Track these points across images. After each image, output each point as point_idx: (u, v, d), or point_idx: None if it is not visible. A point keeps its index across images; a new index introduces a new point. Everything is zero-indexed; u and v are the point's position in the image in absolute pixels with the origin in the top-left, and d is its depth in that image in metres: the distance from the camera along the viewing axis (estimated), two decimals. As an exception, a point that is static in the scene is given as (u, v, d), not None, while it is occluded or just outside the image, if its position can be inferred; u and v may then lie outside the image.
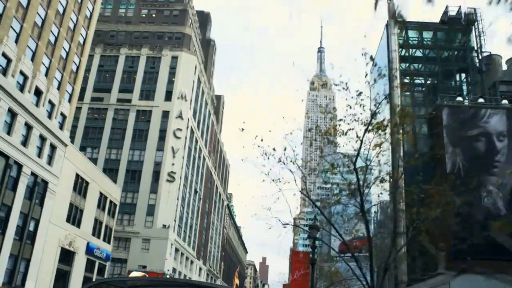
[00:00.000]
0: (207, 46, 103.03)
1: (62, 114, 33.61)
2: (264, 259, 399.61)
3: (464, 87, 41.92)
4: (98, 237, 43.17)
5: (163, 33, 79.93)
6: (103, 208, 43.84)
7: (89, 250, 40.26)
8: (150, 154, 69.91)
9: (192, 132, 78.33)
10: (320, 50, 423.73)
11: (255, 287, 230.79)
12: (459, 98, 36.29)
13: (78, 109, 73.71)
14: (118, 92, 74.95)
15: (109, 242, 47.10)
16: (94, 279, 41.96)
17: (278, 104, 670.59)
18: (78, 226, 38.26)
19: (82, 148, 70.28)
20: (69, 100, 34.44)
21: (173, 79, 74.96)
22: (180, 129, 71.63)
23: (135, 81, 75.37)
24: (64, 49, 35.11)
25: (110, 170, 69.38)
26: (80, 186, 37.88)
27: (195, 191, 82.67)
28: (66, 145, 34.06)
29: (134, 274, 61.88)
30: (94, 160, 69.63)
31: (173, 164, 69.63)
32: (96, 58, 77.48)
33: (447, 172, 31.98)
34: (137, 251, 64.89)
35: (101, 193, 42.81)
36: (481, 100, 35.18)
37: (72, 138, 71.18)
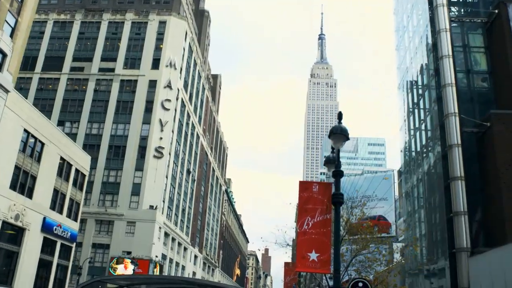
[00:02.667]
0: (201, 17, 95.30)
1: (0, 51, 26.35)
2: (266, 250, 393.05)
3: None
4: (60, 212, 35.88)
5: (150, -4, 72.45)
6: (66, 177, 36.47)
7: (47, 226, 33.03)
8: (135, 128, 62.57)
9: (183, 104, 70.87)
10: (321, 37, 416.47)
11: (257, 278, 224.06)
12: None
13: (56, 80, 67.01)
14: (100, 61, 67.55)
15: (75, 220, 39.77)
16: (55, 263, 34.89)
17: (278, 94, 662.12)
18: (29, 196, 31.02)
19: (60, 123, 63.27)
20: (11, 35, 27.21)
21: (161, 46, 67.47)
22: (169, 100, 64.22)
23: (119, 49, 67.92)
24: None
25: (91, 146, 62.36)
26: (32, 146, 30.60)
27: (188, 171, 75.35)
28: (7, 91, 26.72)
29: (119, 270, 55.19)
30: (74, 136, 62.51)
31: (161, 138, 62.26)
32: (76, 25, 70.20)
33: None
34: (121, 235, 57.75)
35: (62, 159, 35.44)
36: None
37: (49, 112, 64.27)
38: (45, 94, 65.97)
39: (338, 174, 11.49)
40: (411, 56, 38.38)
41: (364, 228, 26.07)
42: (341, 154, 12.32)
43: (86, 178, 40.16)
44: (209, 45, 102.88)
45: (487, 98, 27.83)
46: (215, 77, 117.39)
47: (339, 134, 11.41)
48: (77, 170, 38.15)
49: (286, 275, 24.88)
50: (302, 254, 11.35)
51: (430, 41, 31.31)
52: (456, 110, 26.74)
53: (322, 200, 11.79)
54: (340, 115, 11.85)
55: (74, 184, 38.17)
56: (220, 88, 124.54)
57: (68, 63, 67.70)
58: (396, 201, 62.01)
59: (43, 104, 64.83)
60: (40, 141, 31.42)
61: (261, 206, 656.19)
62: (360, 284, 10.74)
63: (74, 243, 39.89)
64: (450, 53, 27.82)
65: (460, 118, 26.66)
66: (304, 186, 12.14)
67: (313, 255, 11.23)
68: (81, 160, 38.90)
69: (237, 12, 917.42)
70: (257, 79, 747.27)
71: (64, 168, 35.91)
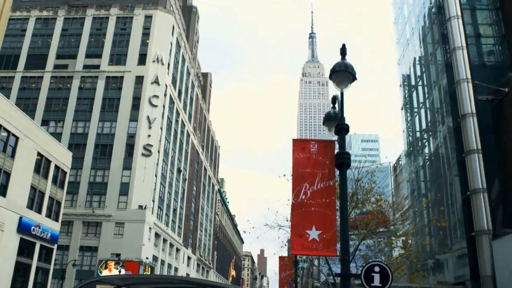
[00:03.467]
0: (189, 13, 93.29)
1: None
2: (262, 251, 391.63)
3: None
4: (39, 211, 33.66)
5: (135, -10, 70.21)
6: (44, 174, 34.24)
7: (23, 227, 30.78)
8: (122, 126, 60.36)
9: (172, 101, 68.76)
10: (312, 36, 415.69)
11: (253, 279, 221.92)
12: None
13: (39, 78, 64.76)
14: (85, 58, 65.31)
15: (56, 220, 37.51)
16: (34, 266, 32.70)
17: (270, 93, 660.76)
18: (3, 194, 28.80)
19: (44, 122, 61.00)
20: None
21: (147, 41, 65.35)
22: (156, 96, 62.10)
23: (104, 45, 65.72)
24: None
25: (77, 146, 60.13)
26: (4, 140, 28.37)
27: (179, 170, 73.20)
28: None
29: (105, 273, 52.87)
30: (58, 135, 60.30)
31: (149, 135, 60.10)
32: (59, 22, 67.97)
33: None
34: (109, 237, 55.51)
35: (40, 155, 33.20)
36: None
37: (33, 111, 61.97)
38: (28, 93, 63.63)
39: (343, 129, 8.91)
40: (411, 26, 36.08)
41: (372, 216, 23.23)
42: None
43: (67, 176, 37.93)
44: (198, 42, 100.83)
45: (500, 64, 25.67)
46: (205, 75, 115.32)
47: (343, 71, 8.83)
48: (57, 167, 35.97)
49: (281, 270, 22.68)
50: (299, 231, 8.54)
51: (434, 8, 29.15)
52: (469, 76, 24.45)
53: (323, 162, 8.95)
54: (343, 49, 9.19)
55: (54, 181, 35.96)
56: (211, 87, 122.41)
57: (51, 60, 65.47)
58: (393, 194, 60.21)
59: (26, 104, 62.56)
60: (14, 135, 29.25)
61: (256, 206, 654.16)
62: (377, 269, 8.19)
63: (56, 245, 37.67)
64: (459, 13, 25.57)
65: (473, 84, 24.38)
66: (300, 146, 9.29)
67: (313, 233, 8.50)
68: (61, 156, 36.72)
69: (232, 12, 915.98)
70: (251, 79, 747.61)
71: (42, 164, 33.71)
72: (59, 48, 66.36)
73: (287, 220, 22.68)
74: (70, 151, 41.21)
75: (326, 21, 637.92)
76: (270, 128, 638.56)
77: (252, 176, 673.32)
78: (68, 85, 63.99)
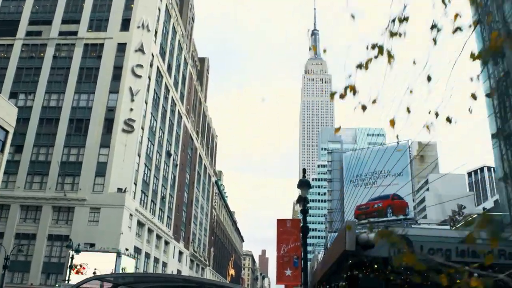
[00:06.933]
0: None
1: None
2: (263, 251, 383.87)
3: None
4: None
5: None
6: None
7: None
8: (101, 98, 52.74)
9: (160, 74, 61.06)
10: (314, 33, 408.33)
11: (254, 279, 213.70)
12: None
13: (9, 46, 57.23)
14: (61, 24, 57.86)
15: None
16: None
17: (272, 90, 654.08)
18: None
19: (13, 95, 53.49)
20: None
21: (132, 5, 57.80)
22: (140, 66, 54.47)
23: (82, 10, 58.18)
24: None
25: (49, 121, 52.95)
26: None
27: (168, 154, 65.41)
28: None
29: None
30: (28, 109, 53.04)
31: (131, 109, 52.44)
32: (33, -15, 60.28)
33: None
34: (83, 225, 47.81)
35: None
36: None
37: (1, 83, 54.50)
38: (-5, 62, 56.16)
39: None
40: None
41: None
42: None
43: (10, 136, 30.06)
44: (193, 20, 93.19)
45: None
46: (202, 60, 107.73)
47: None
48: (-7, 124, 28.15)
49: (280, 242, 15.27)
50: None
51: None
52: None
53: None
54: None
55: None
56: (208, 72, 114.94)
57: (23, 27, 58.05)
58: (413, 176, 52.40)
59: (-6, 74, 55.21)
60: None
61: (258, 210, 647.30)
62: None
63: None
64: None
65: None
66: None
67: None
68: (0, 111, 28.81)
69: (232, 14, 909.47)
70: (259, 85, 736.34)
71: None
72: (33, 13, 58.94)
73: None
74: (15, 107, 33.34)
75: (329, 16, 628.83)
76: (273, 131, 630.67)
77: (253, 180, 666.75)
78: (42, 53, 56.49)
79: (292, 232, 17.17)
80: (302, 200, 15.08)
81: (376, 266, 6.78)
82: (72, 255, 37.80)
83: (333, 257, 7.69)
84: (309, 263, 29.72)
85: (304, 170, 16.80)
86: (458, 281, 7.32)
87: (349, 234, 6.40)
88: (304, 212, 15.21)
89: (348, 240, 6.36)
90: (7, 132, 29.20)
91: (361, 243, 6.46)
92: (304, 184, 15.21)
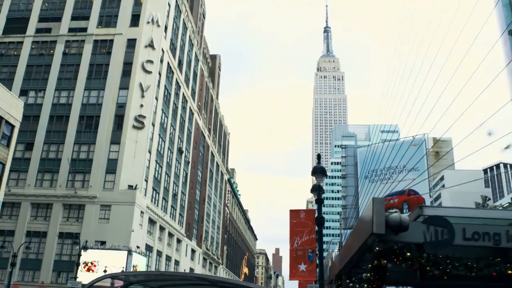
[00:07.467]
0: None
1: None
2: (277, 250, 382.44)
3: None
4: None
5: None
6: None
7: None
8: (111, 94, 52.15)
9: (170, 70, 60.34)
10: (326, 30, 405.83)
11: (268, 277, 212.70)
12: None
13: (19, 44, 56.94)
14: (71, 20, 57.34)
15: (-2, 185, 29.16)
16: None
17: (284, 91, 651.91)
18: None
19: (23, 92, 53.17)
20: None
21: (141, 0, 57.06)
22: (151, 61, 53.76)
23: (92, 6, 57.64)
24: None
25: (59, 118, 52.55)
26: None
27: (180, 151, 64.68)
28: None
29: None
30: (39, 106, 52.78)
31: (141, 105, 51.77)
32: (43, -18, 59.93)
33: None
34: (94, 222, 47.24)
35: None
36: None
37: (11, 80, 54.10)
38: (6, 60, 55.97)
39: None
40: None
41: None
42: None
43: (16, 130, 29.41)
44: (204, 16, 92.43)
45: None
46: (213, 57, 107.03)
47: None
48: (0, 118, 27.51)
49: (292, 235, 14.20)
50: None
51: None
52: None
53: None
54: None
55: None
56: (220, 70, 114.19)
57: (33, 24, 57.69)
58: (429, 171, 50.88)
59: (4, 72, 55.14)
60: None
61: (272, 209, 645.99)
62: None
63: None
64: None
65: None
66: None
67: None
68: (6, 105, 28.21)
69: (244, 13, 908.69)
70: (269, 84, 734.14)
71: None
72: (42, 10, 58.57)
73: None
74: (21, 100, 32.74)
75: (342, 13, 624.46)
76: (286, 129, 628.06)
77: (267, 180, 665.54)
78: (51, 50, 56.03)
79: (306, 224, 15.72)
80: (316, 189, 14.04)
81: (409, 254, 5.70)
82: (80, 253, 37.16)
83: (355, 246, 6.65)
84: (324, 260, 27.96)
85: (318, 156, 15.56)
86: (510, 271, 6.26)
87: (378, 213, 5.31)
88: (320, 201, 14.32)
89: (376, 220, 5.27)
90: (13, 126, 28.61)
91: (391, 225, 5.39)
92: (318, 171, 14.04)
